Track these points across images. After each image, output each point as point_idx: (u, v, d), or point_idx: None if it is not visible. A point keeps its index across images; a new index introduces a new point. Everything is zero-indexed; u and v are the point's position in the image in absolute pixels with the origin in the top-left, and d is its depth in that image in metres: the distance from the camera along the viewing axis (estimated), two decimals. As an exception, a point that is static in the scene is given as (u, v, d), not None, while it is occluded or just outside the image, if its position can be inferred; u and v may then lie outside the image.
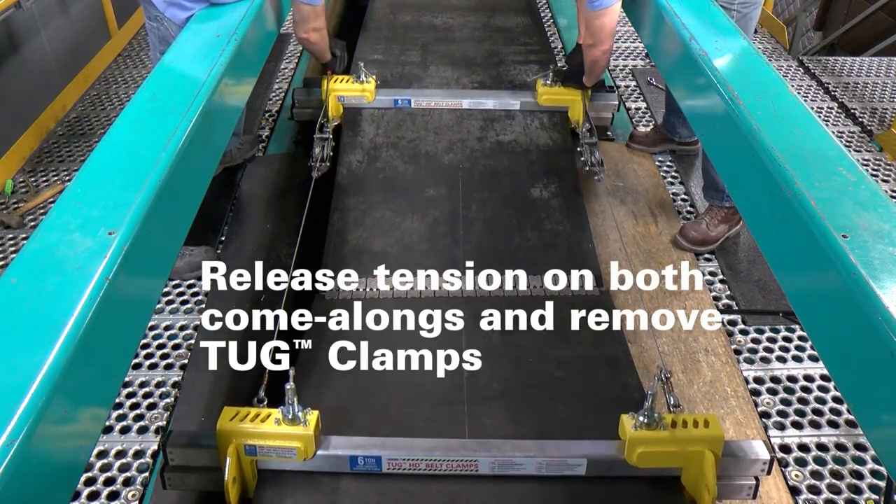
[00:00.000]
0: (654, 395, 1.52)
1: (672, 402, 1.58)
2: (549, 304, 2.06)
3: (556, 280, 2.14)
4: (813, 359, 2.18)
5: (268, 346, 1.77)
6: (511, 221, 2.38)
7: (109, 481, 1.86)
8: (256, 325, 2.25)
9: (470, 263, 2.20)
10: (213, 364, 2.12)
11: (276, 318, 1.87)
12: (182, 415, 2.00)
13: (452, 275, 2.15)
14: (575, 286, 2.13)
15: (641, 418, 1.53)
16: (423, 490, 1.55)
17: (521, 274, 2.15)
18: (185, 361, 2.18)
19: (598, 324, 1.99)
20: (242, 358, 2.16)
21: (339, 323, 1.97)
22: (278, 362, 1.77)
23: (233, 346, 2.19)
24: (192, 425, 1.95)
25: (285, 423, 1.50)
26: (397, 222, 2.37)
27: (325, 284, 2.09)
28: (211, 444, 1.52)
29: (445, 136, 2.76)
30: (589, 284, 2.15)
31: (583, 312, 2.04)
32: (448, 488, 1.55)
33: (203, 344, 2.20)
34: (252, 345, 2.18)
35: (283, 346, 1.86)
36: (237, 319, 2.28)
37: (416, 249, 2.27)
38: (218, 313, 2.31)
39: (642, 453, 1.52)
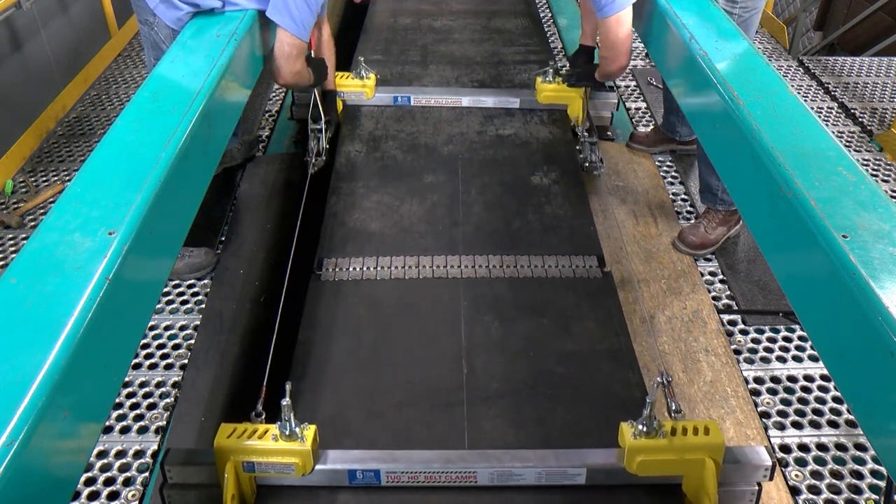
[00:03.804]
0: (654, 403, 1.51)
1: (674, 408, 1.58)
2: (551, 285, 2.07)
3: (557, 261, 2.15)
4: (813, 359, 2.18)
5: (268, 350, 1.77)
6: (511, 205, 2.38)
7: (109, 481, 1.86)
8: (256, 324, 2.26)
9: (469, 245, 2.20)
10: (212, 364, 2.14)
11: (276, 316, 1.88)
12: (182, 415, 2.00)
13: (451, 257, 2.15)
14: (577, 267, 2.14)
15: (641, 426, 1.52)
16: (423, 502, 1.55)
17: (523, 255, 2.16)
18: (185, 361, 2.17)
19: (599, 310, 2.00)
20: (242, 357, 2.17)
21: (336, 313, 1.98)
22: (278, 362, 1.78)
23: (232, 345, 2.21)
24: (192, 426, 1.95)
25: (282, 438, 1.50)
26: (396, 205, 2.37)
27: (322, 275, 2.10)
28: (209, 461, 1.52)
29: (445, 130, 2.77)
30: (592, 266, 2.15)
31: (585, 294, 2.04)
32: (447, 500, 1.55)
33: (203, 344, 2.21)
34: (251, 342, 2.19)
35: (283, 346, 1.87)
36: (237, 318, 2.30)
37: (415, 231, 2.27)
38: (218, 313, 2.32)
39: (642, 462, 1.52)
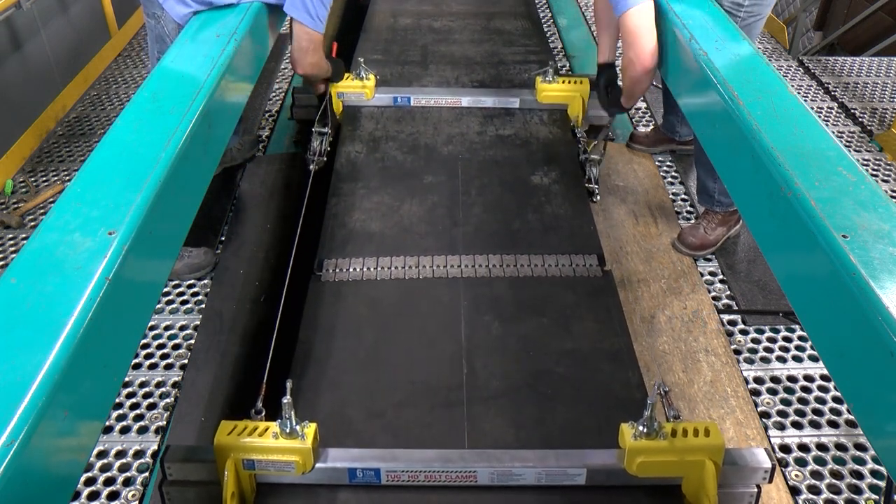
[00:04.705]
0: (654, 404, 1.51)
1: (672, 414, 1.58)
2: (551, 284, 2.07)
3: (557, 261, 2.15)
4: (813, 359, 2.18)
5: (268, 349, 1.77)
6: (511, 205, 2.38)
7: (109, 481, 1.86)
8: (256, 324, 2.26)
9: (469, 245, 2.20)
10: (212, 364, 2.14)
11: (277, 315, 1.88)
12: (182, 415, 2.00)
13: (451, 257, 2.15)
14: (577, 266, 2.14)
15: (641, 427, 1.52)
16: (423, 501, 1.54)
17: (523, 254, 2.16)
18: (185, 361, 2.17)
19: (599, 309, 1.99)
20: (242, 357, 2.17)
21: (336, 313, 1.97)
22: (278, 360, 1.78)
23: (232, 345, 2.21)
24: (192, 425, 1.95)
25: (283, 436, 1.50)
26: (396, 206, 2.37)
27: (322, 276, 2.10)
28: (209, 459, 1.51)
29: (445, 130, 2.77)
30: (592, 265, 2.15)
31: (585, 294, 2.04)
32: (447, 499, 1.54)
33: (203, 344, 2.21)
34: (251, 343, 2.19)
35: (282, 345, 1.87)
36: (237, 318, 2.30)
37: (415, 231, 2.27)
38: (218, 313, 2.32)
39: (642, 463, 1.52)
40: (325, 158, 2.61)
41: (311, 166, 2.55)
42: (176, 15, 2.21)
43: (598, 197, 2.61)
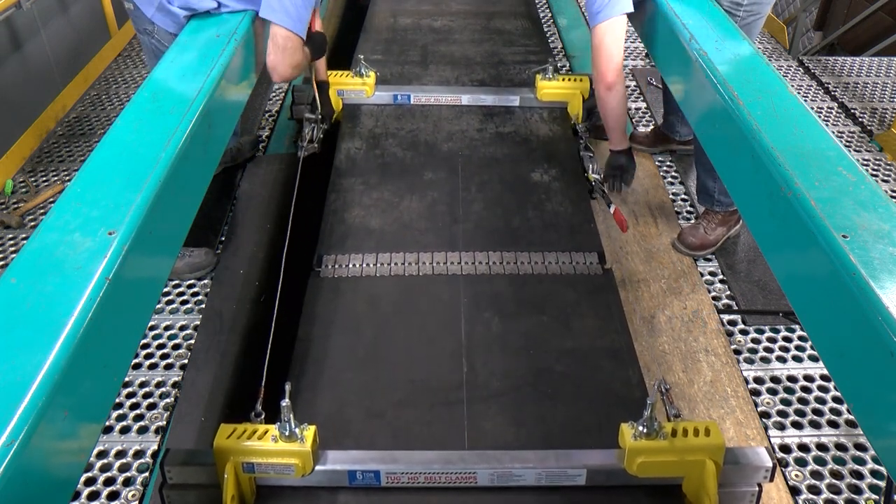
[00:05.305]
0: (654, 404, 1.51)
1: (673, 413, 1.58)
2: (551, 282, 2.07)
3: (558, 258, 2.15)
4: (813, 359, 2.18)
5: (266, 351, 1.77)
6: (511, 202, 2.38)
7: (109, 481, 1.86)
8: (256, 324, 2.26)
9: (469, 241, 2.20)
10: (212, 364, 2.14)
11: (275, 312, 1.88)
12: (182, 415, 2.00)
13: (451, 254, 2.15)
14: (577, 264, 2.14)
15: (641, 428, 1.52)
16: (423, 503, 1.55)
17: (523, 251, 2.16)
18: (185, 361, 2.17)
19: (599, 307, 1.99)
20: (242, 357, 2.17)
21: (336, 310, 1.97)
22: (278, 361, 1.78)
23: (232, 345, 2.21)
24: (192, 425, 1.95)
25: (282, 439, 1.50)
26: (395, 202, 2.37)
27: (321, 272, 2.10)
28: (209, 462, 1.51)
29: (445, 127, 2.77)
30: (592, 263, 2.15)
31: (585, 292, 2.04)
32: (447, 500, 1.54)
33: (203, 344, 2.21)
34: (251, 342, 2.19)
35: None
36: (237, 318, 2.30)
37: (415, 227, 2.27)
38: (218, 313, 2.32)
39: (642, 463, 1.52)
40: (316, 145, 2.60)
41: (300, 153, 2.52)
42: (167, 25, 2.19)
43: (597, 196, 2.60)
